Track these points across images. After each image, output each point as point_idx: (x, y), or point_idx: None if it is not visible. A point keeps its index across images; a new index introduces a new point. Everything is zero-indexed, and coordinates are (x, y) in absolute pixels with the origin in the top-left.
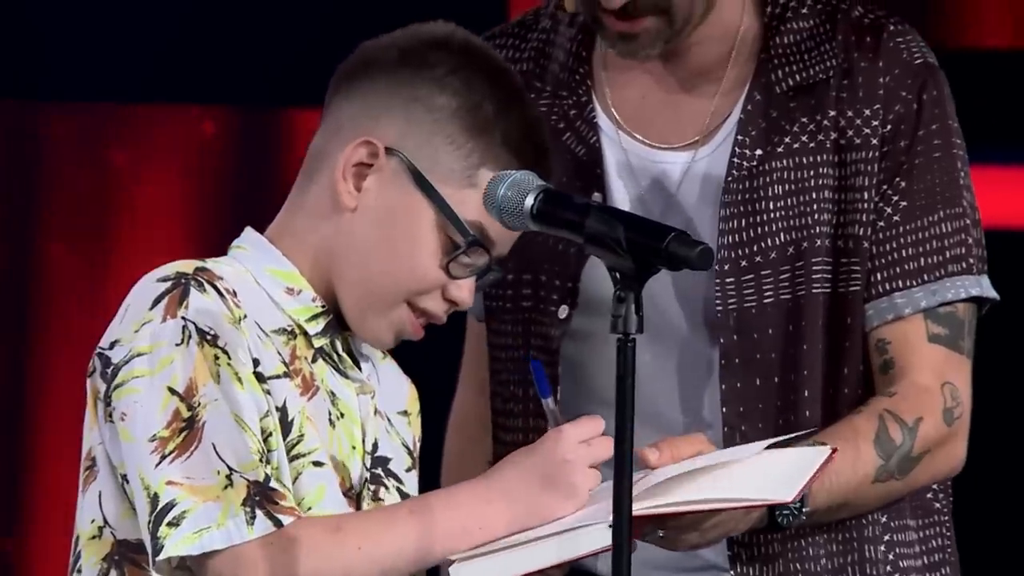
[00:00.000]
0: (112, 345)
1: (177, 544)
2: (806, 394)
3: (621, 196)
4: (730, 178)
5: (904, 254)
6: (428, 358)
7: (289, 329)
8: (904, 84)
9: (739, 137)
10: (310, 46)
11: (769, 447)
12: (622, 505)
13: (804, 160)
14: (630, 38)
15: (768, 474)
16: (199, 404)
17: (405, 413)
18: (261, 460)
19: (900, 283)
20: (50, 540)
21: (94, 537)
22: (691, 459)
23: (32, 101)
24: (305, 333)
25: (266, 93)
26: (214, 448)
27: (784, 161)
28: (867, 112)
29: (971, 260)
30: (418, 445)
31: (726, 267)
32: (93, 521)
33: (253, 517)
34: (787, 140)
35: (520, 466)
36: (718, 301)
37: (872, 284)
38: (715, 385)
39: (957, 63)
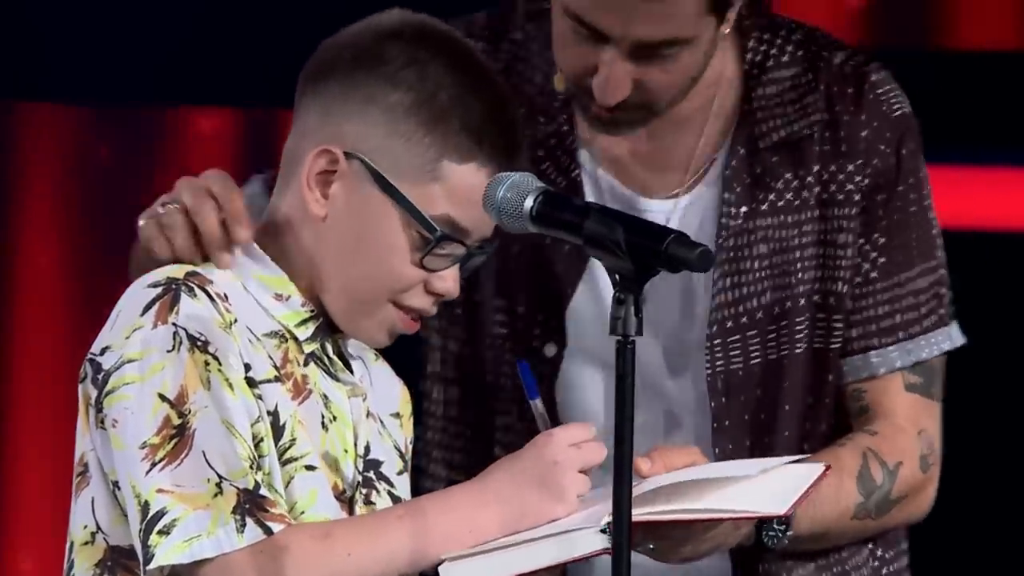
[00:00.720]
0: (103, 351)
1: (167, 553)
2: (778, 454)
3: None
4: (719, 239)
5: (880, 311)
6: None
7: (280, 333)
8: (884, 137)
9: (726, 195)
10: (310, 46)
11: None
12: (622, 507)
13: (788, 219)
14: (613, 124)
15: (761, 488)
16: (189, 411)
17: (397, 415)
18: (251, 467)
19: (876, 341)
20: (24, 543)
21: (87, 543)
22: (684, 470)
23: (23, 102)
24: (296, 338)
25: (265, 94)
26: (204, 456)
27: (769, 219)
28: (850, 167)
29: (942, 312)
30: (410, 447)
31: (714, 328)
32: (86, 527)
33: (243, 525)
34: (771, 197)
35: (510, 469)
36: (708, 365)
37: (848, 340)
38: (708, 448)
39: (961, 65)
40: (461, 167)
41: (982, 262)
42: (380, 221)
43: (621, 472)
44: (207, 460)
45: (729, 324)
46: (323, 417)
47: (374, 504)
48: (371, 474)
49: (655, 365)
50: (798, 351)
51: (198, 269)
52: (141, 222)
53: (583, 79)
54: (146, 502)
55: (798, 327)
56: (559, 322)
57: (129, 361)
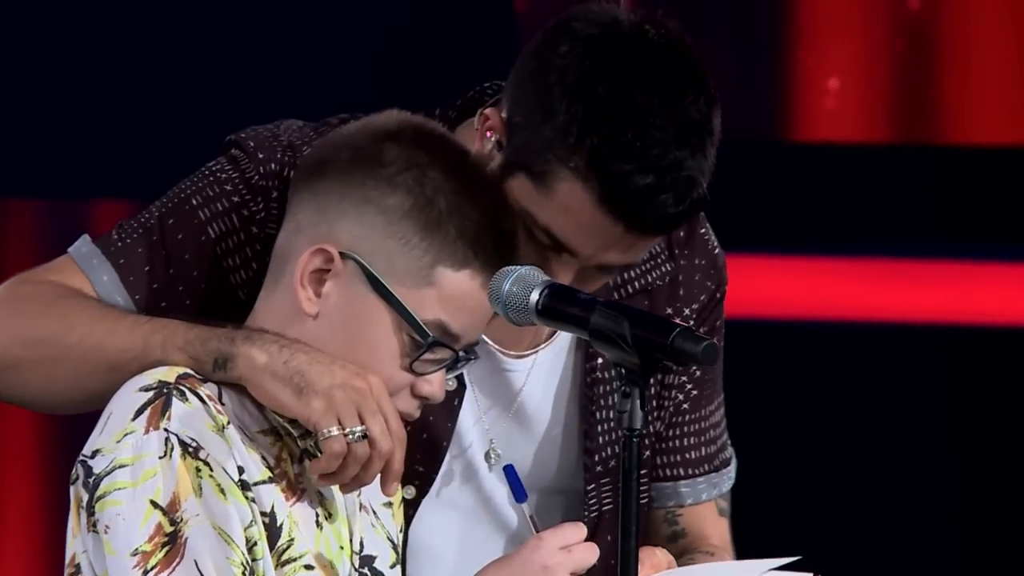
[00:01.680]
0: (94, 454)
1: None
2: None
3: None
4: (585, 384)
5: (688, 443)
6: None
7: (274, 430)
8: (708, 275)
9: (589, 350)
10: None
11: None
12: None
13: None
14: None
15: None
16: (181, 519)
17: (389, 504)
18: (244, 573)
19: (684, 471)
20: None
21: None
22: (675, 570)
23: None
24: (291, 433)
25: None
26: (196, 565)
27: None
28: (687, 310)
29: (730, 448)
30: (401, 536)
31: (586, 475)
32: None
33: None
34: None
35: (499, 574)
36: (584, 510)
37: (658, 467)
38: None
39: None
40: (456, 274)
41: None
42: (372, 323)
43: (627, 568)
44: (199, 569)
45: (588, 473)
46: (317, 516)
47: None
48: (366, 570)
49: (510, 508)
50: (643, 502)
51: (189, 371)
52: (334, 431)
53: None
54: None
55: (642, 478)
56: (428, 469)
57: (121, 466)
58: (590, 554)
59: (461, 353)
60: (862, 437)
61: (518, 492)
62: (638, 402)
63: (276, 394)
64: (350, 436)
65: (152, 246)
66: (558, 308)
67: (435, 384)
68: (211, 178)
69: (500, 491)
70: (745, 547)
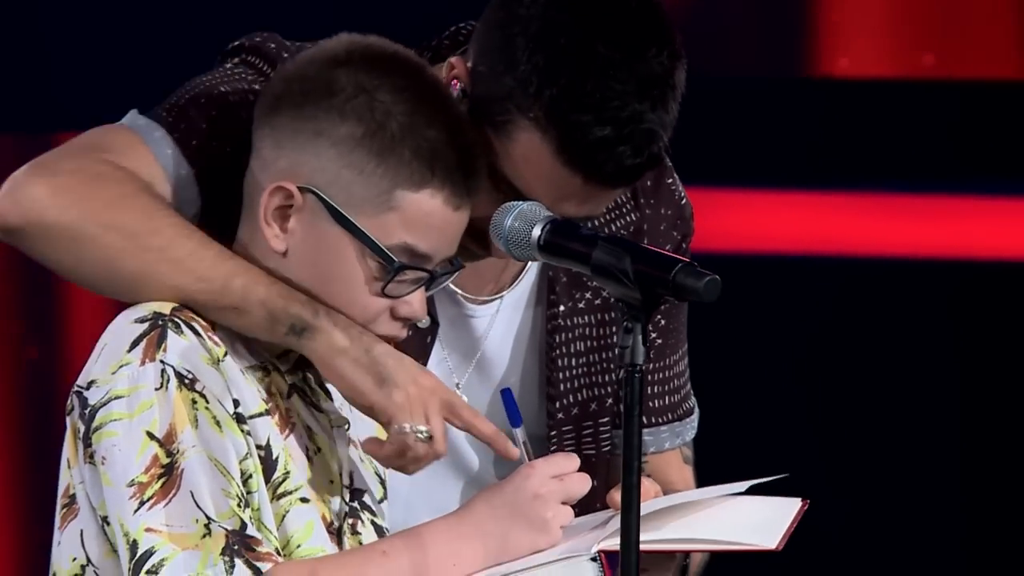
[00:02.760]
0: (89, 385)
1: None
2: None
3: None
4: (547, 331)
5: (651, 391)
6: None
7: (263, 365)
8: (675, 225)
9: (550, 297)
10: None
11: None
12: (630, 535)
13: (605, 316)
14: (483, 257)
15: (748, 521)
16: (178, 451)
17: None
18: (239, 505)
19: (647, 419)
20: None
21: (76, 575)
22: (661, 498)
23: None
24: (279, 369)
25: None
26: (192, 496)
27: (586, 317)
28: None
29: (692, 397)
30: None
31: (559, 416)
32: (75, 559)
33: (232, 566)
34: (588, 296)
35: (491, 502)
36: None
37: (619, 415)
38: None
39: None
40: (416, 195)
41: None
42: (339, 254)
43: (629, 501)
44: (195, 500)
45: (551, 419)
46: (307, 449)
47: (360, 535)
48: (356, 504)
49: (481, 454)
50: (604, 450)
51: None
52: (407, 427)
53: (481, 221)
54: (135, 540)
55: (603, 427)
56: None
57: (116, 397)
58: (581, 484)
59: (439, 270)
60: (869, 370)
61: (514, 416)
62: (640, 337)
63: (354, 379)
64: (419, 435)
65: (201, 119)
66: (560, 243)
67: (415, 304)
68: (234, 76)
69: (462, 435)
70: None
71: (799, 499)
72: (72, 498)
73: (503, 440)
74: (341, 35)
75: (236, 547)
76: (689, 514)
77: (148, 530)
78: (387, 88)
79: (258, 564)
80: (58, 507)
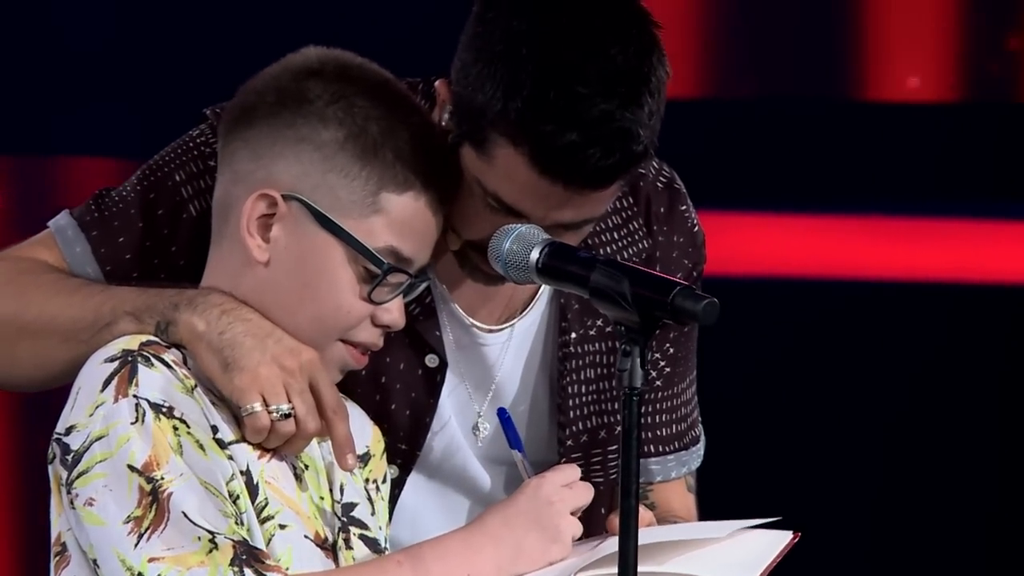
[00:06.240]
0: (68, 431)
1: None
2: None
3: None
4: (558, 358)
5: (660, 420)
6: None
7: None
8: (687, 253)
9: (562, 324)
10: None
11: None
12: (628, 560)
13: (616, 344)
14: (498, 279)
15: (730, 554)
16: (162, 477)
17: (368, 455)
18: (237, 523)
19: (656, 448)
20: None
21: None
22: (652, 528)
23: None
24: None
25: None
26: (186, 516)
27: (597, 344)
28: None
29: (700, 426)
30: (382, 486)
31: (568, 443)
32: None
33: None
34: (599, 323)
35: (503, 512)
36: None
37: None
38: None
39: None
40: (401, 197)
41: None
42: (325, 259)
43: (628, 526)
44: (190, 519)
45: (561, 446)
46: (295, 468)
47: (352, 549)
48: (346, 518)
49: (491, 473)
50: (612, 477)
51: (153, 338)
52: (256, 408)
53: (486, 241)
54: (140, 574)
55: (611, 455)
56: (412, 446)
57: (97, 439)
58: (587, 493)
59: (416, 278)
60: (875, 394)
61: (513, 439)
62: (638, 360)
63: (205, 364)
64: (275, 414)
65: (130, 219)
66: (558, 266)
67: (394, 311)
68: (195, 152)
69: (471, 455)
70: (737, 505)
71: (790, 532)
72: (64, 546)
73: (347, 449)
74: (307, 48)
75: (244, 557)
76: (674, 547)
77: (151, 560)
78: (362, 94)
79: (268, 575)
80: (51, 555)
